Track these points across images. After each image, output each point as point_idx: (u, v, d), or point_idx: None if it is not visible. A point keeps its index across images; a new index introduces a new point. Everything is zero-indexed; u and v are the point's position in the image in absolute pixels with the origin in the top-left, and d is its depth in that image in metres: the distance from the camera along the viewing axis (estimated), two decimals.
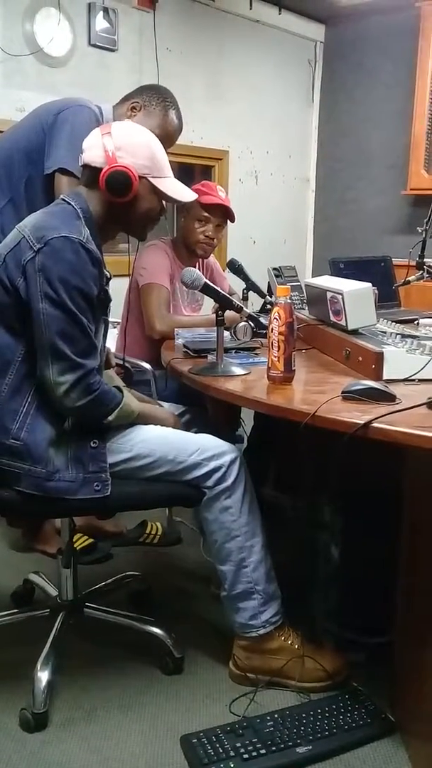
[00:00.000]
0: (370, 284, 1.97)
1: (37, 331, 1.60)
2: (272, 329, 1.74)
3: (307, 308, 2.43)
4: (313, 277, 2.45)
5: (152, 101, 2.24)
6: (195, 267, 2.54)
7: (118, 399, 1.70)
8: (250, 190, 5.08)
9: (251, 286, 2.63)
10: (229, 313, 1.94)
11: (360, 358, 1.80)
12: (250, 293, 2.64)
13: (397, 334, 1.97)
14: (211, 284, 1.97)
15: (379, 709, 1.72)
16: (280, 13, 4.92)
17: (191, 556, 2.54)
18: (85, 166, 1.71)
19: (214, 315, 1.92)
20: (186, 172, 4.60)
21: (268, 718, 1.67)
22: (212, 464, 1.76)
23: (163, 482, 1.77)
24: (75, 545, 2.05)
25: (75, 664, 1.92)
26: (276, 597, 1.83)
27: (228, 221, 2.68)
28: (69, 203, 1.69)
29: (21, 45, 3.54)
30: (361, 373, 1.77)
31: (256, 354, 2.12)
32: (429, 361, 1.66)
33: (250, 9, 4.72)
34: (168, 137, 2.19)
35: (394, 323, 2.18)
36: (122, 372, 2.22)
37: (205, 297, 2.37)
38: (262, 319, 2.04)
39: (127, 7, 4.02)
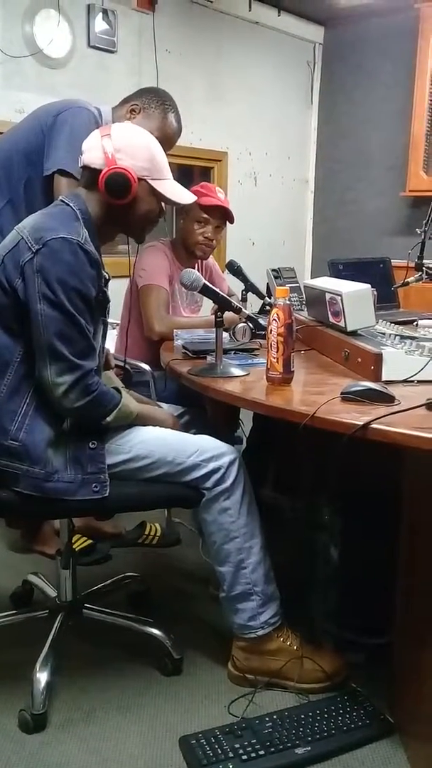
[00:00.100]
0: (369, 285, 1.97)
1: (35, 332, 1.60)
2: (271, 330, 1.74)
3: (306, 309, 2.43)
4: (312, 278, 2.45)
5: (151, 104, 2.24)
6: (194, 268, 2.54)
7: (116, 400, 1.70)
8: (249, 192, 5.08)
9: (250, 287, 2.63)
10: (228, 315, 1.94)
11: (359, 360, 1.80)
12: (249, 294, 2.65)
13: (396, 335, 1.97)
14: (210, 285, 1.97)
15: (378, 710, 1.72)
16: (279, 15, 4.92)
17: (190, 557, 2.54)
18: (85, 168, 1.71)
19: (213, 316, 1.92)
20: (185, 174, 4.60)
21: (267, 719, 1.67)
22: (211, 465, 1.76)
23: (161, 483, 1.77)
24: (74, 546, 2.05)
25: (74, 665, 1.92)
26: (275, 598, 1.83)
27: (227, 223, 2.69)
28: (68, 204, 1.69)
29: (20, 46, 3.54)
30: (360, 374, 1.77)
31: (255, 355, 2.12)
32: (428, 362, 1.67)
33: (249, 10, 4.72)
34: (167, 140, 2.20)
35: (393, 324, 2.18)
36: (122, 373, 2.22)
37: (204, 298, 2.38)
38: (261, 321, 2.04)
39: (126, 9, 4.03)
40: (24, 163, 2.15)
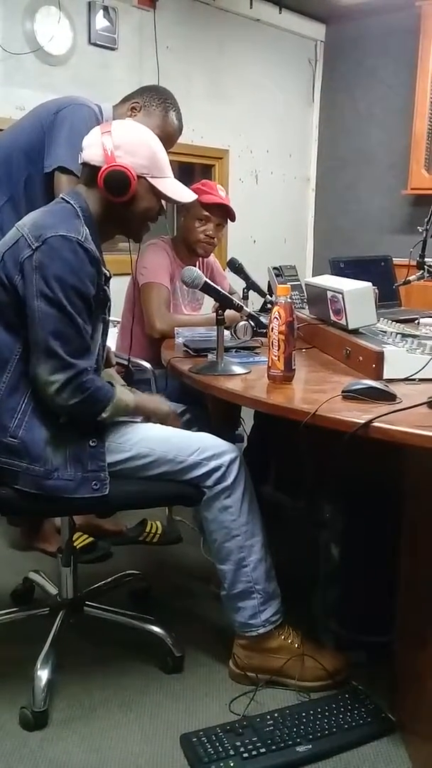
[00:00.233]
0: (370, 284, 1.97)
1: (31, 329, 1.60)
2: (272, 328, 1.74)
3: (307, 307, 2.43)
4: (313, 276, 2.45)
5: (152, 102, 2.24)
6: (195, 266, 2.54)
7: (110, 395, 1.69)
8: (250, 190, 5.08)
9: (251, 285, 2.63)
10: (229, 312, 1.94)
11: (360, 358, 1.80)
12: (251, 292, 2.64)
13: (398, 333, 1.97)
14: (212, 283, 1.97)
15: (379, 708, 1.72)
16: (280, 12, 4.91)
17: (191, 555, 2.54)
18: (85, 165, 1.71)
19: (215, 314, 1.92)
20: (186, 172, 4.59)
21: (268, 717, 1.67)
22: (212, 464, 1.76)
23: (162, 481, 1.77)
24: (75, 544, 2.05)
25: (75, 663, 1.92)
26: (276, 596, 1.83)
27: (228, 220, 2.68)
28: (68, 202, 1.69)
29: (21, 43, 3.54)
30: (362, 372, 1.77)
31: (256, 353, 2.12)
32: (429, 360, 1.66)
33: (251, 8, 4.71)
34: (168, 138, 2.19)
35: (394, 323, 2.18)
36: (123, 371, 2.22)
37: (206, 296, 2.37)
38: (262, 319, 2.04)
39: (127, 6, 4.02)
40: (24, 161, 2.14)
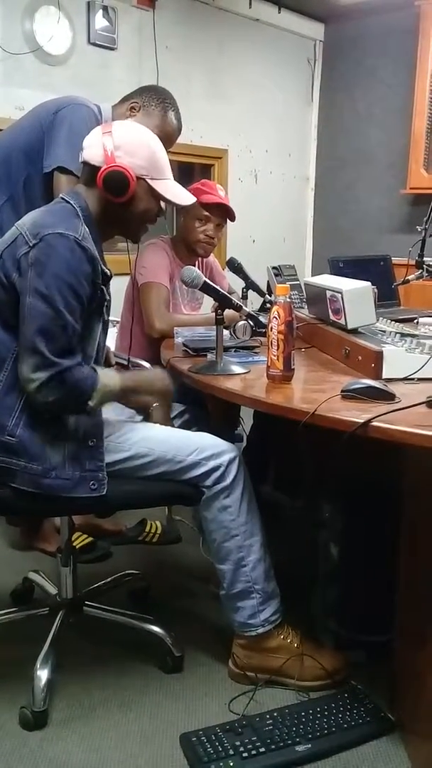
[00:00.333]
0: (369, 283, 1.97)
1: (21, 325, 1.59)
2: (272, 328, 1.74)
3: (306, 307, 2.43)
4: (312, 275, 2.45)
5: (151, 102, 2.24)
6: (194, 266, 2.54)
7: (92, 383, 1.63)
8: (249, 189, 5.08)
9: (251, 284, 2.63)
10: (228, 312, 1.94)
11: (359, 357, 1.80)
12: (250, 292, 2.64)
13: (397, 333, 1.97)
14: (211, 283, 1.97)
15: (379, 707, 1.72)
16: (279, 12, 4.91)
17: (190, 554, 2.54)
18: (85, 164, 1.71)
19: (214, 314, 1.92)
20: (185, 171, 4.59)
21: (268, 716, 1.67)
22: (211, 463, 1.76)
23: (161, 481, 1.77)
24: (74, 544, 2.05)
25: (74, 663, 1.92)
26: (275, 596, 1.83)
27: (228, 220, 2.68)
28: (68, 202, 1.69)
29: (20, 43, 3.54)
30: (361, 371, 1.77)
31: (255, 353, 2.12)
32: (428, 360, 1.67)
33: (250, 8, 4.71)
34: (167, 138, 2.19)
35: (393, 322, 2.18)
36: (122, 370, 2.21)
37: (205, 296, 2.37)
38: (261, 318, 2.04)
39: (126, 6, 4.02)
40: (23, 161, 2.15)
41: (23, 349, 1.59)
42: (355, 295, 1.95)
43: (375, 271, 2.84)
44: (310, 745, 1.59)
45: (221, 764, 1.53)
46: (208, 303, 2.74)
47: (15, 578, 2.26)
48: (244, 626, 1.82)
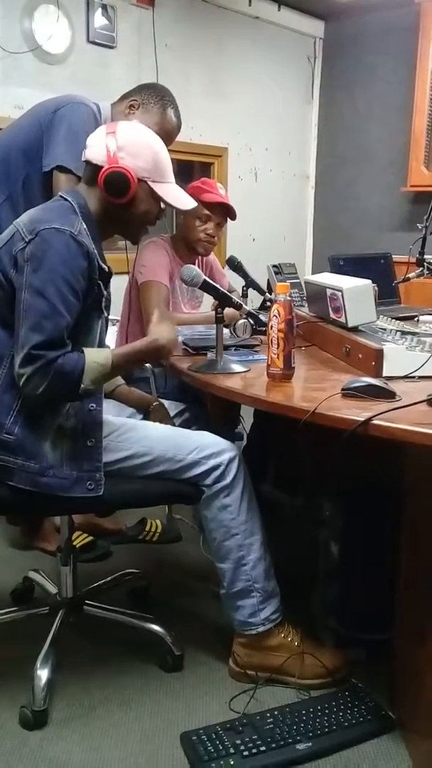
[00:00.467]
0: (369, 281, 1.97)
1: (16, 321, 1.58)
2: (272, 326, 1.74)
3: (306, 305, 2.42)
4: (312, 274, 2.45)
5: (150, 99, 2.23)
6: (194, 264, 2.53)
7: (79, 363, 1.58)
8: (249, 187, 5.07)
9: (251, 283, 2.63)
10: (228, 311, 1.93)
11: (360, 355, 1.80)
12: (250, 290, 2.64)
13: (397, 331, 1.97)
14: (211, 281, 1.96)
15: (379, 705, 1.72)
16: (279, 10, 4.90)
17: (191, 553, 2.54)
18: (87, 163, 1.70)
19: (214, 312, 1.91)
20: (185, 170, 4.59)
21: (268, 715, 1.67)
22: (211, 462, 1.76)
23: (161, 480, 1.77)
24: (74, 543, 2.05)
25: (75, 662, 1.92)
26: (275, 594, 1.83)
27: (228, 219, 2.68)
28: (66, 200, 1.68)
29: (19, 42, 3.53)
30: (361, 370, 1.77)
31: (255, 351, 2.12)
32: (429, 358, 1.66)
33: (249, 5, 4.70)
34: (166, 135, 2.18)
35: (394, 320, 2.18)
36: None
37: (205, 294, 2.37)
38: (261, 317, 2.04)
39: (125, 4, 4.01)
40: (22, 160, 2.14)
41: (17, 344, 1.58)
42: (355, 293, 1.95)
43: (375, 269, 2.84)
44: (310, 744, 1.59)
45: (222, 763, 1.53)
46: (208, 301, 2.74)
47: (15, 577, 2.26)
48: (244, 625, 1.82)
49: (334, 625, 1.92)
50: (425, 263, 2.63)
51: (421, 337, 1.89)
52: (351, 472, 1.76)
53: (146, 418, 2.22)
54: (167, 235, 2.77)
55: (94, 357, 1.61)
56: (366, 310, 1.96)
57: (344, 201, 5.42)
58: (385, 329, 1.99)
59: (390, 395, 1.53)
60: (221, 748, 1.57)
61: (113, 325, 2.65)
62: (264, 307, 2.61)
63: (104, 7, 3.86)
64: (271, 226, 5.24)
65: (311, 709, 1.69)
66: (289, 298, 1.75)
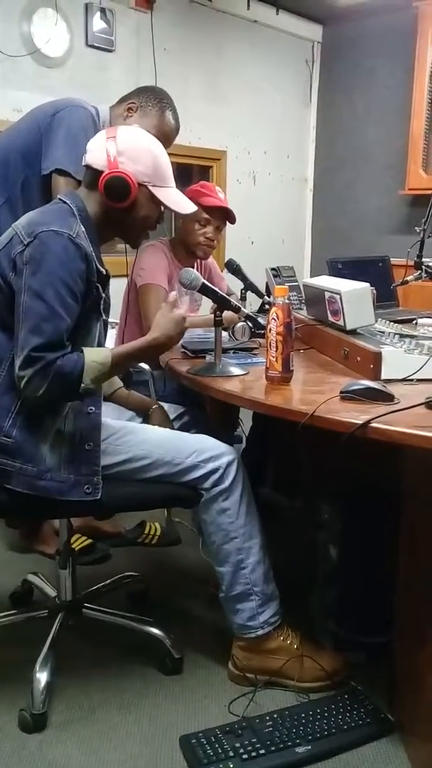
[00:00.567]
0: (368, 284, 1.97)
1: (15, 324, 1.58)
2: (270, 329, 1.74)
3: (305, 308, 2.42)
4: (311, 277, 2.45)
5: (149, 102, 2.24)
6: (193, 267, 2.54)
7: (78, 363, 1.58)
8: (248, 191, 5.08)
9: (249, 286, 2.63)
10: (227, 314, 1.94)
11: (358, 358, 1.80)
12: (248, 293, 2.64)
13: (396, 333, 1.97)
14: (209, 284, 1.97)
15: (378, 708, 1.72)
16: (277, 14, 4.91)
17: (190, 556, 2.54)
18: (87, 167, 1.70)
19: (213, 315, 1.92)
20: (184, 173, 4.59)
21: (267, 718, 1.67)
22: (209, 466, 1.76)
23: (160, 484, 1.77)
24: (73, 546, 2.05)
25: (74, 665, 1.91)
26: (274, 598, 1.83)
27: (227, 222, 2.68)
28: (65, 202, 1.69)
29: (18, 45, 3.54)
30: (360, 373, 1.77)
31: (254, 354, 2.12)
32: (427, 360, 1.67)
33: (248, 9, 4.71)
34: (165, 138, 2.19)
35: (392, 323, 2.18)
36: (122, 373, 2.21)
37: (204, 297, 2.37)
38: (260, 320, 2.04)
39: (124, 8, 4.02)
40: (21, 163, 2.15)
41: (16, 347, 1.58)
42: (353, 296, 1.95)
43: (374, 272, 2.84)
44: (310, 747, 1.59)
45: (221, 766, 1.53)
46: (206, 304, 2.75)
47: (14, 580, 2.25)
48: (243, 628, 1.82)
49: (333, 628, 1.92)
50: (423, 266, 2.63)
51: (420, 339, 1.89)
52: (350, 474, 1.76)
53: (146, 421, 2.22)
54: (166, 238, 2.77)
55: (94, 356, 1.62)
56: (364, 313, 1.96)
57: (342, 204, 5.43)
58: (383, 332, 1.99)
59: (388, 398, 1.53)
60: (220, 751, 1.57)
61: (112, 327, 2.66)
62: (263, 310, 2.60)
63: (103, 10, 3.87)
64: (270, 229, 5.25)
65: (310, 712, 1.69)
66: (287, 301, 1.75)
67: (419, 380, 1.67)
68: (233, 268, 2.64)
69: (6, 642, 1.99)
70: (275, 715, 1.68)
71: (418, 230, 2.61)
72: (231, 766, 1.53)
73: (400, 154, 4.86)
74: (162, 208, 1.75)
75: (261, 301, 2.67)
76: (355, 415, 1.44)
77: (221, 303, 1.91)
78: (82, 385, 1.59)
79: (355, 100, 5.25)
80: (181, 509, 2.60)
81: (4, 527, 2.68)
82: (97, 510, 1.90)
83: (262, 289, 2.67)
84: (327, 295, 2.04)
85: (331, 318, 2.05)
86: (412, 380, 1.67)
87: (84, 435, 1.68)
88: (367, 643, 1.88)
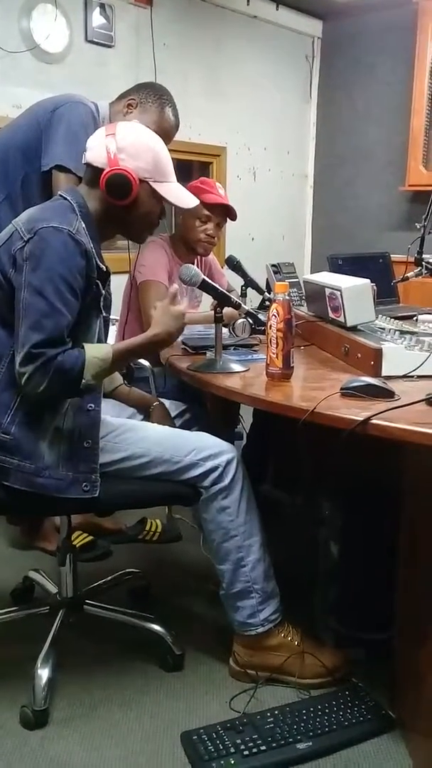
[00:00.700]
0: (368, 280, 1.97)
1: (16, 321, 1.58)
2: (271, 326, 1.74)
3: (305, 305, 2.42)
4: (311, 273, 2.45)
5: (148, 98, 2.23)
6: (193, 264, 2.53)
7: (79, 359, 1.58)
8: (248, 187, 5.07)
9: (250, 282, 2.63)
10: (227, 310, 1.93)
11: (359, 355, 1.80)
12: (249, 290, 2.64)
13: (396, 330, 1.97)
14: (210, 281, 1.97)
15: (379, 705, 1.72)
16: (277, 9, 4.90)
17: (191, 553, 2.54)
18: (88, 165, 1.70)
19: (213, 312, 1.91)
20: (184, 169, 4.58)
21: (268, 714, 1.68)
22: (209, 464, 1.76)
23: (159, 481, 1.77)
24: (74, 542, 2.06)
25: (75, 662, 1.92)
26: (274, 595, 1.83)
27: (228, 219, 2.68)
28: (65, 199, 1.68)
29: (17, 41, 3.53)
30: (360, 369, 1.77)
31: (254, 351, 2.12)
32: (428, 357, 1.66)
33: (248, 5, 4.70)
34: (164, 134, 2.18)
35: (392, 319, 2.18)
36: (125, 369, 2.21)
37: (204, 294, 2.37)
38: (260, 316, 2.04)
39: (123, 3, 4.01)
40: (21, 160, 2.14)
41: (17, 344, 1.58)
42: (354, 292, 1.95)
43: (374, 268, 2.84)
44: (311, 743, 1.59)
45: (222, 762, 1.53)
46: (207, 301, 2.74)
47: (15, 577, 2.26)
48: (243, 626, 1.82)
49: (333, 625, 1.92)
50: (424, 262, 2.63)
51: (420, 336, 1.89)
52: (350, 471, 1.76)
53: (147, 418, 2.22)
54: (166, 234, 2.77)
55: (95, 352, 1.61)
56: (365, 310, 1.96)
57: (343, 200, 5.42)
58: (383, 329, 1.99)
59: (389, 395, 1.53)
60: (222, 747, 1.57)
61: (113, 324, 2.65)
62: (263, 306, 2.60)
63: (102, 6, 3.86)
64: (270, 226, 5.24)
65: (311, 709, 1.69)
66: (287, 297, 1.75)
67: (420, 377, 1.66)
68: (233, 265, 2.63)
69: (7, 639, 2.00)
70: (276, 712, 1.68)
71: (418, 226, 2.61)
72: (232, 762, 1.53)
73: (400, 151, 4.85)
74: (164, 203, 1.75)
75: (261, 297, 2.67)
76: (355, 411, 1.44)
77: (221, 299, 1.91)
78: (83, 381, 1.59)
79: (355, 96, 5.24)
80: (181, 506, 2.60)
81: (5, 524, 2.68)
82: (95, 507, 1.90)
83: (263, 285, 2.67)
84: (327, 291, 2.04)
85: (331, 314, 2.05)
86: (412, 377, 1.67)
87: (83, 432, 1.68)
88: (368, 639, 1.88)
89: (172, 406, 2.36)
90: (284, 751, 1.57)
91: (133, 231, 1.79)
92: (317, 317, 2.21)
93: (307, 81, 5.42)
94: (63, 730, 1.69)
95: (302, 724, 1.64)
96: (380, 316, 2.13)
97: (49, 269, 1.56)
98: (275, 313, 1.73)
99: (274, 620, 1.82)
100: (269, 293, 2.59)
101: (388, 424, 1.37)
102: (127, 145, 1.66)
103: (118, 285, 1.94)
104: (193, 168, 4.74)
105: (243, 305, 1.99)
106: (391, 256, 2.95)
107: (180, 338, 2.25)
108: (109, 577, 2.19)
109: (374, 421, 1.38)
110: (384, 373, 1.68)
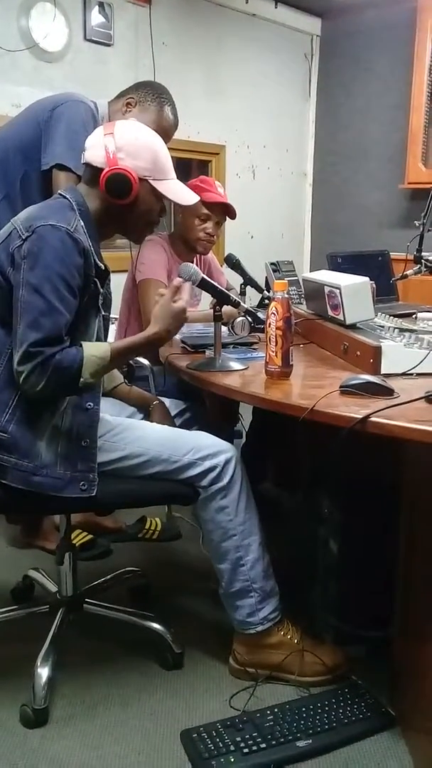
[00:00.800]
0: (367, 278, 1.97)
1: (14, 319, 1.58)
2: (270, 324, 1.74)
3: (304, 303, 2.42)
4: (310, 271, 2.45)
5: (147, 97, 2.23)
6: (192, 262, 2.53)
7: (78, 357, 1.58)
8: (247, 185, 5.07)
9: (249, 281, 2.63)
10: (226, 308, 1.93)
11: (358, 353, 1.80)
12: (248, 288, 2.64)
13: (395, 328, 1.97)
14: (209, 279, 1.96)
15: (379, 702, 1.72)
16: (276, 7, 4.90)
17: (190, 551, 2.54)
18: (87, 165, 1.70)
19: (212, 310, 1.91)
20: (183, 167, 4.58)
21: (268, 712, 1.68)
22: (207, 464, 1.75)
23: (157, 481, 1.77)
24: (74, 541, 2.06)
25: (75, 660, 1.92)
26: (274, 594, 1.83)
27: (227, 218, 2.67)
28: (64, 197, 1.68)
29: (16, 40, 3.53)
30: (360, 367, 1.77)
31: (254, 349, 2.12)
32: (427, 355, 1.66)
33: (247, 3, 4.70)
34: (164, 133, 2.18)
35: (392, 317, 2.18)
36: (125, 368, 2.21)
37: (203, 292, 2.37)
38: (259, 314, 2.04)
39: (122, 2, 4.01)
40: (20, 159, 2.14)
41: (15, 342, 1.58)
42: (353, 290, 1.95)
43: (373, 266, 2.84)
44: (310, 741, 1.60)
45: (222, 760, 1.53)
46: (206, 299, 2.74)
47: (15, 576, 2.26)
48: (243, 624, 1.82)
49: (333, 623, 1.92)
50: (423, 260, 2.63)
51: (419, 334, 1.89)
52: (350, 469, 1.76)
53: (147, 417, 2.22)
54: (165, 233, 2.76)
55: (93, 350, 1.61)
56: (364, 308, 1.96)
57: (342, 198, 5.42)
58: (383, 326, 1.99)
59: (388, 392, 1.53)
60: (221, 745, 1.57)
61: (112, 323, 2.65)
62: (262, 304, 2.60)
63: (101, 4, 3.86)
64: (269, 224, 5.24)
65: (311, 707, 1.69)
66: (287, 295, 1.75)
67: (419, 374, 1.66)
68: (233, 263, 2.63)
69: (7, 637, 2.00)
70: (276, 710, 1.68)
71: (417, 224, 2.61)
72: (232, 760, 1.54)
73: (399, 148, 4.85)
74: (164, 200, 1.74)
75: (260, 295, 2.67)
76: (354, 409, 1.44)
77: (221, 298, 1.91)
78: (81, 379, 1.59)
79: (354, 94, 5.24)
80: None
81: (4, 523, 2.69)
82: (92, 507, 1.90)
83: (262, 283, 2.67)
84: (326, 289, 2.04)
85: (330, 312, 2.05)
86: (411, 374, 1.67)
87: (81, 431, 1.68)
88: (368, 637, 1.88)
89: (172, 405, 2.36)
90: (284, 748, 1.57)
91: (133, 230, 1.79)
92: (316, 315, 2.21)
93: (306, 79, 5.41)
94: (63, 728, 1.69)
95: (302, 722, 1.64)
96: (379, 313, 2.13)
97: (47, 267, 1.56)
98: (274, 311, 1.73)
99: (274, 619, 1.82)
100: (268, 291, 2.59)
101: (387, 422, 1.37)
102: (126, 144, 1.66)
103: (118, 284, 1.94)
104: (192, 166, 4.74)
105: (242, 303, 1.99)
106: (391, 253, 2.95)
107: (179, 337, 2.26)
108: (109, 576, 2.19)
109: (373, 418, 1.38)
110: (383, 370, 1.68)
